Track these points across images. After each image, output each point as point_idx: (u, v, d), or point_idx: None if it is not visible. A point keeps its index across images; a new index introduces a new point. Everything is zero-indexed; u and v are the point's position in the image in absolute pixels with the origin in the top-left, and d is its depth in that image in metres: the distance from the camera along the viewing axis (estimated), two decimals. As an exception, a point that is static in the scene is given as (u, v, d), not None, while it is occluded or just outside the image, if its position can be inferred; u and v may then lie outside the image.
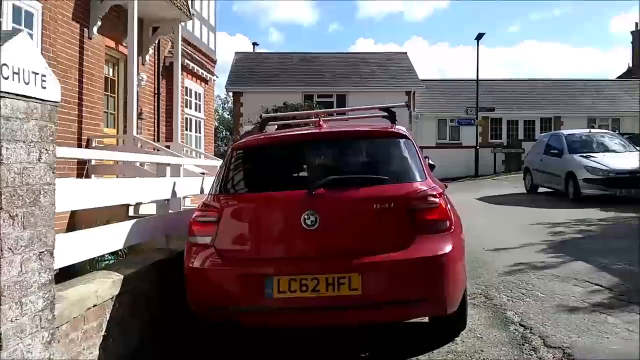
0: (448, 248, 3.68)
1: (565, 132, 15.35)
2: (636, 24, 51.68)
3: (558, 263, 6.34)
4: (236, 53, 32.47)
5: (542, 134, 19.09)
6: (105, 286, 3.56)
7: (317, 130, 4.35)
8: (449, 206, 3.90)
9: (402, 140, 4.16)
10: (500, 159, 25.88)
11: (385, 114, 5.16)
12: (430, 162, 5.36)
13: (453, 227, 3.81)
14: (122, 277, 3.76)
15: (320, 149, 4.30)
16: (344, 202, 3.76)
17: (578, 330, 4.14)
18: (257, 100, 25.50)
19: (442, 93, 31.88)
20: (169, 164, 5.44)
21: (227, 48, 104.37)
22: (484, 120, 28.49)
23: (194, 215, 4.00)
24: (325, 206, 3.70)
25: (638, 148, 14.07)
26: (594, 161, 12.50)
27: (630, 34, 52.62)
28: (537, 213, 10.94)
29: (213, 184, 4.27)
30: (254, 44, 37.89)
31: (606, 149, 13.50)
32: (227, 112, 50.94)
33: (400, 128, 4.39)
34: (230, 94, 31.55)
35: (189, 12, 12.70)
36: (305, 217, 3.66)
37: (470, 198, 14.44)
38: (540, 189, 14.93)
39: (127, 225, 4.19)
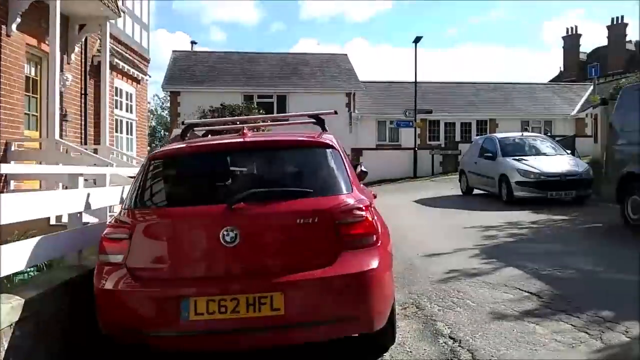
0: (375, 263, 3.53)
1: (499, 135, 15.60)
2: (567, 29, 54.01)
3: (490, 269, 6.34)
4: (174, 51, 31.78)
5: (477, 137, 19.42)
6: (2, 312, 3.23)
7: (240, 139, 4.12)
8: (375, 218, 3.75)
9: (328, 150, 3.97)
10: (438, 160, 26.27)
11: (315, 120, 5.01)
12: (362, 169, 5.22)
13: (380, 240, 3.67)
14: (22, 301, 3.43)
15: (243, 160, 4.05)
16: (265, 217, 3.56)
17: (507, 342, 4.10)
18: (195, 100, 24.97)
19: (382, 95, 32.17)
20: (81, 174, 5.09)
21: (166, 46, 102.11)
22: (423, 122, 28.92)
23: (104, 231, 3.71)
24: (246, 222, 3.49)
25: (568, 151, 14.50)
26: (526, 164, 12.76)
27: (562, 39, 55.02)
28: (472, 216, 11.05)
29: (127, 197, 3.98)
30: (193, 42, 37.36)
31: (538, 152, 13.82)
32: (166, 112, 49.81)
33: (327, 137, 4.19)
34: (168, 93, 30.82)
35: (118, 9, 12.17)
36: (225, 233, 3.44)
37: (407, 200, 14.52)
38: (475, 191, 15.15)
39: (31, 242, 3.84)
